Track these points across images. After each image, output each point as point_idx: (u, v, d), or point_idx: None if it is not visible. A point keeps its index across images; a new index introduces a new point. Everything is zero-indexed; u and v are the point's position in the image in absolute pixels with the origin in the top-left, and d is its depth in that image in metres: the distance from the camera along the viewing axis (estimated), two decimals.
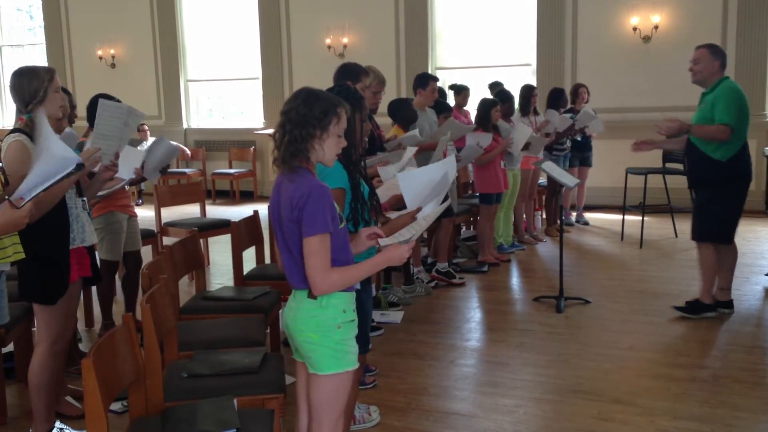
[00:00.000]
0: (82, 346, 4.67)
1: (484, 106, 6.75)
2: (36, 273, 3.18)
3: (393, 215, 3.19)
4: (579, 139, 8.26)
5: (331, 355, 2.43)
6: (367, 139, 3.33)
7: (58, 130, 3.74)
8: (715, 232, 4.99)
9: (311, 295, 2.41)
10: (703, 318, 5.01)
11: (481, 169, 6.74)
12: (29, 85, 3.22)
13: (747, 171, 4.92)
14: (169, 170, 5.58)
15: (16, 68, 3.33)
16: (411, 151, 4.27)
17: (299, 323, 2.45)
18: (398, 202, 3.40)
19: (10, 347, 4.10)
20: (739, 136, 4.80)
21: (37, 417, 3.34)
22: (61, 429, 3.39)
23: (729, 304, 5.13)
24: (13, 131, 3.28)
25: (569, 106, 8.21)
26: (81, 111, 4.14)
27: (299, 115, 2.37)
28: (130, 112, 3.88)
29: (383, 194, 3.50)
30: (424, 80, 5.85)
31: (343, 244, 2.45)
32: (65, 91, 3.81)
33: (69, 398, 3.79)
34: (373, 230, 2.63)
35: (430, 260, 6.43)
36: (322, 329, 2.42)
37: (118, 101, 4.74)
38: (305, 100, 2.39)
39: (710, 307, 5.06)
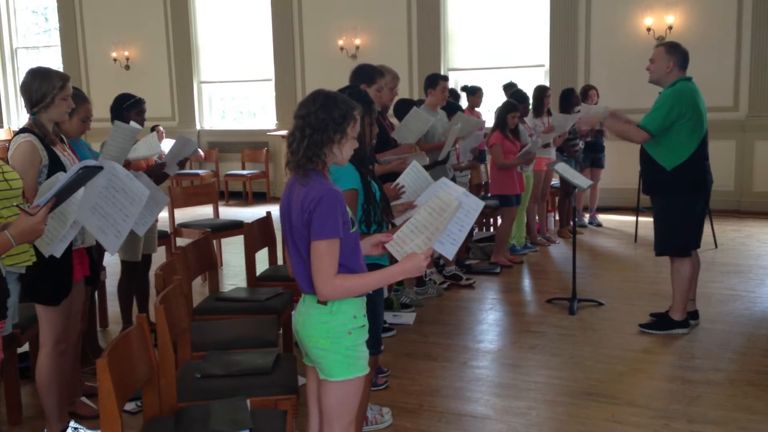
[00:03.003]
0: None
1: (502, 110, 6.78)
2: (40, 274, 3.19)
3: (398, 220, 3.20)
4: (589, 140, 8.23)
5: (341, 361, 2.41)
6: (375, 141, 3.37)
7: (69, 133, 3.78)
8: (673, 247, 4.75)
9: (321, 301, 2.39)
10: (671, 334, 4.77)
11: (497, 172, 6.75)
12: (39, 88, 3.23)
13: (697, 181, 4.61)
14: (183, 170, 5.61)
15: (32, 68, 3.36)
16: (415, 165, 4.14)
17: (309, 329, 2.43)
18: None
19: (25, 347, 4.13)
20: (688, 145, 4.54)
21: (50, 417, 3.36)
22: (75, 429, 3.41)
23: (694, 315, 4.94)
24: (21, 131, 3.31)
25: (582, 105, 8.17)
26: (96, 112, 4.16)
27: (319, 120, 2.34)
28: (132, 131, 4.04)
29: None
30: (434, 80, 5.86)
31: (353, 249, 2.42)
32: (83, 97, 3.83)
33: (84, 398, 3.81)
34: (379, 239, 2.59)
35: (442, 262, 6.42)
36: (332, 335, 2.40)
37: (140, 99, 4.80)
38: (324, 104, 2.36)
39: (681, 324, 4.80)
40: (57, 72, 3.33)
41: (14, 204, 2.78)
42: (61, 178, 2.75)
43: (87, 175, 2.74)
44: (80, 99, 3.73)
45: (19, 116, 13.85)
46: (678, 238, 4.70)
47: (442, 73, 10.12)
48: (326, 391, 2.46)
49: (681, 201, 4.63)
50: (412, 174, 3.68)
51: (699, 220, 4.74)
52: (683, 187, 4.58)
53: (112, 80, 12.39)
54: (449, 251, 2.81)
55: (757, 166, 9.23)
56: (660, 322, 4.87)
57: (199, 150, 11.51)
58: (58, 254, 3.08)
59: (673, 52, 4.67)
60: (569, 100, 7.93)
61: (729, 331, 4.88)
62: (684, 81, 4.65)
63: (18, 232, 2.46)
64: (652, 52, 4.78)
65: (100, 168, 2.84)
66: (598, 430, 3.53)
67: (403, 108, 5.44)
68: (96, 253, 3.69)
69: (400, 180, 3.64)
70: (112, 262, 5.43)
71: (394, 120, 5.68)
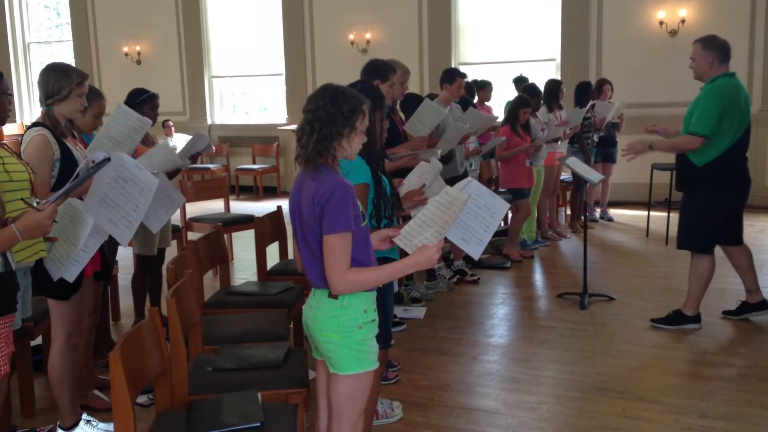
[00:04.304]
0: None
1: (514, 105, 6.76)
2: None
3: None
4: (603, 134, 8.19)
5: (351, 355, 2.42)
6: (386, 136, 3.36)
7: (82, 128, 3.81)
8: (696, 242, 4.70)
9: (332, 295, 2.39)
10: (682, 329, 4.77)
11: (506, 165, 6.74)
12: (57, 81, 3.28)
13: (726, 179, 4.55)
14: (194, 165, 5.61)
15: (52, 62, 3.41)
16: (432, 166, 4.11)
17: (320, 323, 2.44)
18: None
19: (38, 340, 4.16)
20: (719, 142, 4.48)
21: (63, 409, 3.39)
22: (88, 421, 3.44)
23: (762, 305, 4.89)
24: (34, 125, 3.33)
25: (594, 101, 8.14)
26: (107, 107, 4.17)
27: (328, 114, 2.35)
28: (142, 123, 3.76)
29: (413, 182, 3.48)
30: (452, 76, 5.84)
31: (364, 243, 2.42)
32: (98, 93, 3.85)
33: (96, 391, 3.84)
34: (386, 234, 2.60)
35: (452, 256, 6.42)
36: (343, 329, 2.41)
37: (154, 94, 4.80)
38: (332, 98, 2.37)
39: (692, 319, 4.78)
40: (76, 69, 3.39)
41: (20, 198, 2.79)
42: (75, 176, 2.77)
43: (97, 170, 2.76)
44: (95, 95, 3.76)
45: (32, 111, 13.92)
46: (699, 234, 4.67)
47: (453, 66, 10.08)
48: (336, 385, 2.47)
49: (706, 197, 4.59)
50: (426, 173, 3.64)
51: (727, 217, 4.66)
52: (710, 183, 4.55)
53: (123, 75, 12.43)
54: (475, 251, 2.81)
55: None
56: (672, 317, 4.85)
57: (212, 146, 11.53)
58: (71, 279, 3.08)
59: (710, 47, 4.58)
60: (585, 94, 7.88)
61: (740, 326, 4.86)
62: (724, 77, 4.57)
63: (24, 227, 2.46)
64: (691, 50, 4.67)
65: (108, 159, 2.85)
66: (609, 425, 3.52)
67: (411, 102, 5.43)
68: (108, 248, 3.71)
69: (408, 179, 3.59)
70: (125, 256, 5.47)
71: (400, 115, 5.67)
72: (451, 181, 4.76)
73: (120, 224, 3.06)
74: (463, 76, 5.97)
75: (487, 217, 2.81)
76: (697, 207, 4.64)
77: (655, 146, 4.72)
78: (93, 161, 2.76)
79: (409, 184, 3.51)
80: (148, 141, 4.76)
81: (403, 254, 2.51)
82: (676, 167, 4.86)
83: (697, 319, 4.79)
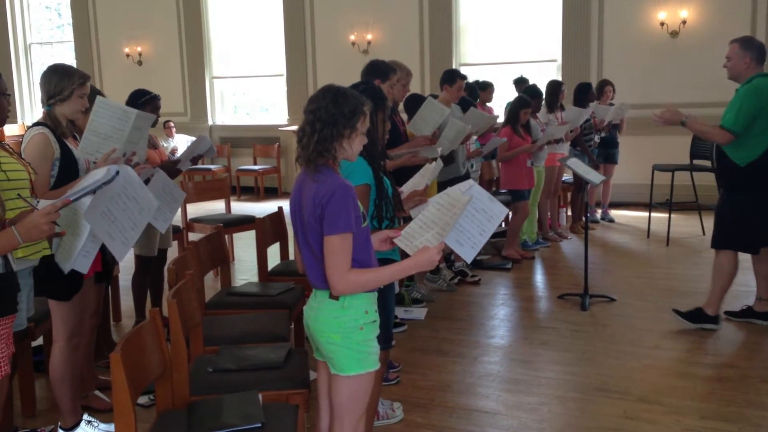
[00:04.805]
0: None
1: (515, 106, 6.77)
2: (51, 270, 3.19)
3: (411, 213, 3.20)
4: (604, 134, 8.19)
5: (353, 356, 2.42)
6: (387, 137, 3.36)
7: (84, 129, 3.81)
8: (730, 240, 4.67)
9: (333, 296, 2.39)
10: (703, 328, 4.76)
11: (507, 166, 6.74)
12: (59, 82, 3.29)
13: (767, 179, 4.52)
14: (195, 166, 5.60)
15: (54, 63, 3.42)
16: (435, 166, 4.12)
17: (321, 324, 2.44)
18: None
19: (39, 341, 4.16)
20: (760, 141, 4.46)
21: (64, 410, 3.39)
22: (89, 422, 3.44)
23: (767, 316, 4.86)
24: (36, 124, 3.34)
25: (595, 102, 8.14)
26: None
27: (329, 115, 2.35)
28: (138, 117, 3.54)
29: (417, 182, 3.49)
30: (452, 77, 5.85)
31: (365, 243, 2.42)
32: (100, 94, 3.85)
33: (97, 392, 3.84)
34: (387, 235, 2.60)
35: (453, 257, 6.41)
36: (344, 330, 2.41)
37: (155, 96, 4.81)
38: (334, 99, 2.37)
39: (712, 319, 4.76)
40: (78, 70, 3.39)
41: (17, 195, 2.77)
42: (82, 184, 2.75)
43: (106, 184, 2.74)
44: (96, 96, 3.75)
45: (33, 112, 13.93)
46: (735, 233, 4.64)
47: (454, 67, 10.09)
48: (337, 386, 2.47)
49: (748, 198, 4.57)
50: (430, 174, 3.65)
51: (762, 220, 4.62)
52: (754, 183, 4.53)
53: (124, 76, 12.45)
54: (468, 254, 2.81)
55: None
56: (694, 314, 4.81)
57: (215, 149, 11.54)
58: (84, 270, 3.09)
59: (749, 47, 4.58)
60: (585, 95, 7.88)
61: (742, 327, 4.86)
62: (761, 77, 4.56)
63: (24, 228, 2.43)
64: (728, 49, 4.67)
65: (117, 173, 2.84)
66: (610, 426, 3.52)
67: (414, 103, 5.44)
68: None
69: (414, 180, 3.60)
70: (126, 257, 5.45)
71: (404, 116, 5.67)
72: (453, 181, 4.77)
73: (117, 239, 3.03)
74: (464, 77, 5.98)
75: (484, 221, 2.81)
76: (742, 208, 4.60)
77: (688, 123, 4.63)
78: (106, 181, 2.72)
79: (413, 184, 3.52)
80: (149, 143, 4.76)
81: (404, 255, 2.51)
82: (717, 167, 4.84)
83: (716, 319, 4.77)
